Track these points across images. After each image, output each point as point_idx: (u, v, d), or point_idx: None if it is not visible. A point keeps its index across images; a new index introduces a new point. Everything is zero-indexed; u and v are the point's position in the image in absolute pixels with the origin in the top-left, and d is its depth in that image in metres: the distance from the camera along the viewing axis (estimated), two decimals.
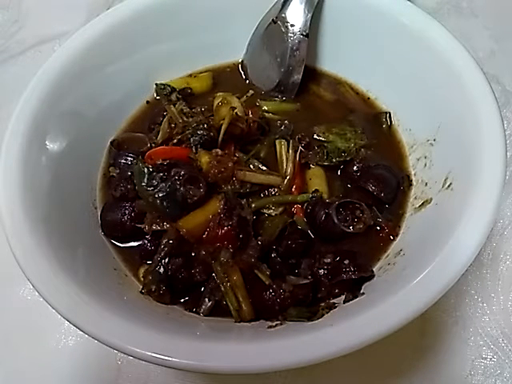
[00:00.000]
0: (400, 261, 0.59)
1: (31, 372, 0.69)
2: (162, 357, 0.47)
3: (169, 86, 0.76)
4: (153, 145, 0.69)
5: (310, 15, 0.70)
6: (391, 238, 0.64)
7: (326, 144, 0.69)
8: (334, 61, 0.78)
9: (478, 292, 0.69)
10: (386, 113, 0.73)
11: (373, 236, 0.64)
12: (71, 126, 0.67)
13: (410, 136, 0.71)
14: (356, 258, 0.61)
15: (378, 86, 0.75)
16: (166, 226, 0.61)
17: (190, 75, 0.79)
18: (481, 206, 0.52)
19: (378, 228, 0.64)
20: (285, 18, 0.71)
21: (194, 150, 0.65)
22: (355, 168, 0.68)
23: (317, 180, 0.68)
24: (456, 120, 0.61)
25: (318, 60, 0.79)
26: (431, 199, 0.63)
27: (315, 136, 0.71)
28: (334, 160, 0.68)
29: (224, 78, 0.80)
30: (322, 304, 0.59)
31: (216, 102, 0.69)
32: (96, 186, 0.70)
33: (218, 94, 0.70)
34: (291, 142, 0.69)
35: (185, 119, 0.69)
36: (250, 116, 0.68)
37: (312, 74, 0.78)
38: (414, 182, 0.68)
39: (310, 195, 0.65)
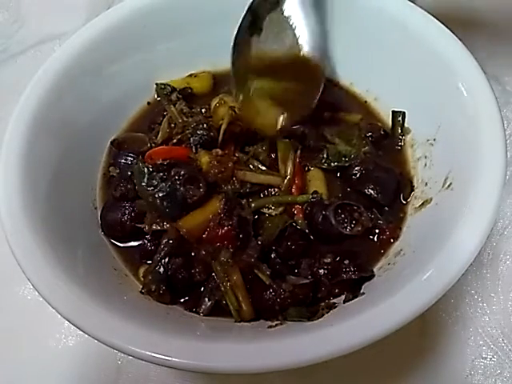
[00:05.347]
0: (400, 261, 0.59)
1: (31, 372, 0.69)
2: (162, 357, 0.47)
3: (169, 85, 0.76)
4: (153, 145, 0.69)
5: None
6: (391, 241, 0.63)
7: (327, 145, 0.69)
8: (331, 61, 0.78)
9: (478, 292, 0.69)
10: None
11: (373, 239, 0.64)
12: (71, 125, 0.67)
13: (410, 136, 0.71)
14: (356, 257, 0.61)
15: (377, 87, 0.75)
16: (166, 225, 0.61)
17: (191, 75, 0.79)
18: (481, 206, 0.52)
19: (378, 231, 0.64)
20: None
21: (193, 149, 0.65)
22: (354, 171, 0.67)
23: (316, 181, 0.68)
24: (456, 120, 0.61)
25: None
26: (431, 199, 0.62)
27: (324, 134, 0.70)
28: (332, 164, 0.68)
29: (224, 77, 0.79)
30: (322, 304, 0.59)
31: (213, 104, 0.69)
32: (96, 186, 0.70)
33: (216, 97, 0.70)
34: (291, 141, 0.69)
35: (184, 119, 0.69)
36: None
37: None
38: (415, 187, 0.67)
39: (310, 196, 0.65)
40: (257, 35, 0.68)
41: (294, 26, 0.68)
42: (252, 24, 0.67)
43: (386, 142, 0.71)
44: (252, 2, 0.67)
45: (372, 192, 0.64)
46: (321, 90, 0.67)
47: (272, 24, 0.68)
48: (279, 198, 0.65)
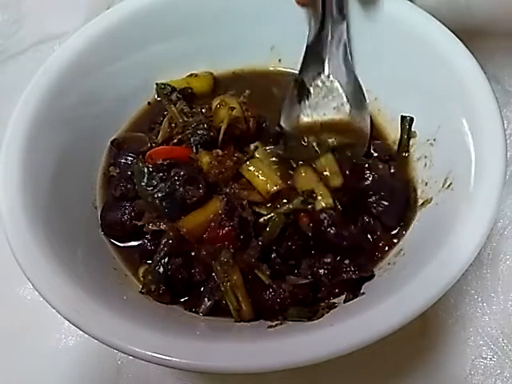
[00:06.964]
0: (400, 261, 0.59)
1: (31, 372, 0.69)
2: (162, 356, 0.47)
3: (169, 85, 0.76)
4: (153, 144, 0.69)
5: None
6: (386, 249, 0.63)
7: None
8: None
9: (478, 292, 0.69)
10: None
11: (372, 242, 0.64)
12: (71, 125, 0.67)
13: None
14: (356, 257, 0.61)
15: (377, 86, 0.74)
16: (163, 226, 0.61)
17: (191, 75, 0.78)
18: (481, 206, 0.52)
19: (374, 238, 0.64)
20: None
21: (194, 149, 0.65)
22: (359, 187, 0.64)
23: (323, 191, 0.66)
24: (456, 120, 0.61)
25: None
26: (431, 199, 0.62)
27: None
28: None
29: (225, 78, 0.80)
30: (322, 304, 0.59)
31: (214, 105, 0.69)
32: (96, 186, 0.70)
33: (217, 97, 0.70)
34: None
35: (185, 119, 0.69)
36: (249, 115, 0.68)
37: None
38: (419, 200, 0.65)
39: (302, 198, 0.63)
40: (304, 101, 0.73)
41: (338, 88, 0.72)
42: (299, 93, 0.72)
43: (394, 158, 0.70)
44: (297, 75, 0.72)
45: (380, 217, 0.63)
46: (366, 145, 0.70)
47: (318, 89, 0.72)
48: (281, 210, 0.63)
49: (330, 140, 0.70)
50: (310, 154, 0.69)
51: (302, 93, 0.72)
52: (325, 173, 0.65)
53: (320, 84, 0.72)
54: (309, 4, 0.68)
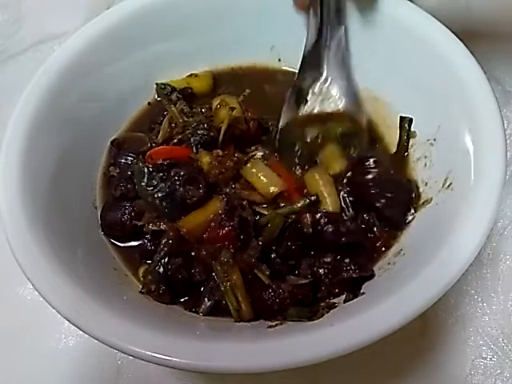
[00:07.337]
0: (400, 260, 0.59)
1: (31, 372, 0.69)
2: (162, 356, 0.47)
3: (169, 85, 0.76)
4: (153, 144, 0.69)
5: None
6: (383, 249, 0.63)
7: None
8: None
9: (477, 292, 0.69)
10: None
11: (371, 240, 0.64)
12: (71, 125, 0.67)
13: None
14: (356, 257, 0.61)
15: (376, 86, 0.74)
16: (163, 226, 0.61)
17: (191, 75, 0.79)
18: (481, 206, 0.52)
19: (373, 235, 0.64)
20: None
21: (194, 149, 0.65)
22: (364, 180, 0.65)
23: (317, 182, 0.67)
24: (456, 120, 0.61)
25: None
26: (431, 199, 0.62)
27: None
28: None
29: (225, 77, 0.80)
30: (322, 304, 0.59)
31: (214, 105, 0.69)
32: (96, 186, 0.70)
33: (217, 97, 0.71)
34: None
35: (185, 119, 0.69)
36: (249, 115, 0.68)
37: None
38: (422, 195, 0.65)
39: (308, 200, 0.64)
40: (302, 106, 0.72)
41: (335, 94, 0.71)
42: (297, 99, 0.71)
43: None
44: (295, 82, 0.71)
45: (384, 210, 0.63)
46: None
47: (315, 96, 0.71)
48: (283, 210, 0.64)
49: (334, 129, 0.70)
50: (314, 147, 0.69)
51: (300, 99, 0.72)
52: (330, 160, 0.68)
53: (317, 90, 0.71)
54: (307, 9, 0.68)
